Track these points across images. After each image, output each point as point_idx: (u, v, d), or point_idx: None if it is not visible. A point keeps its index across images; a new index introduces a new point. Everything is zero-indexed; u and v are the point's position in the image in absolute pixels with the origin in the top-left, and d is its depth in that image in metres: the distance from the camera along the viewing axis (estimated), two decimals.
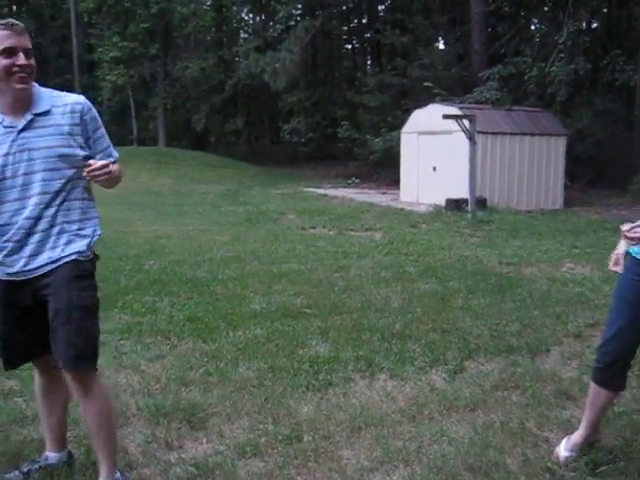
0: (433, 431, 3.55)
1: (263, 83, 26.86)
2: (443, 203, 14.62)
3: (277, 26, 32.85)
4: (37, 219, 2.75)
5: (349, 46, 38.10)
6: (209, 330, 5.36)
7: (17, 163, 2.74)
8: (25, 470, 3.07)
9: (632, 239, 2.87)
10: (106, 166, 2.66)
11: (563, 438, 3.34)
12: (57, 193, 2.77)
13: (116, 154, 2.96)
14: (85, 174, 2.67)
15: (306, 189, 20.07)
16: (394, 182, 19.07)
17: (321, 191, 19.51)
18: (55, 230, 2.78)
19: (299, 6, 32.57)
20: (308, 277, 7.53)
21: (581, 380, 4.27)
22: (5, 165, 2.74)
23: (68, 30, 36.34)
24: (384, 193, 19.15)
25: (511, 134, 15.73)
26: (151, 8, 30.71)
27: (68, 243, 2.80)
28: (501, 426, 3.60)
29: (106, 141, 2.93)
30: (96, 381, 2.86)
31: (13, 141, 2.73)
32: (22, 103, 2.75)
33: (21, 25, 2.71)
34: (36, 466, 3.09)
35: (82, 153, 2.80)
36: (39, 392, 3.12)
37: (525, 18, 25.70)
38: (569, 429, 3.51)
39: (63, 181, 2.77)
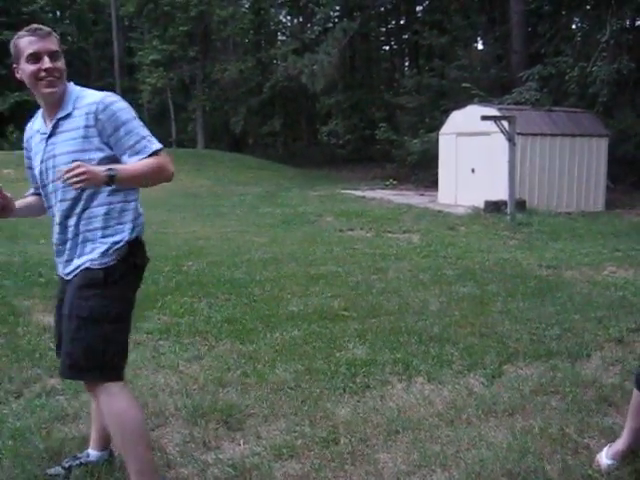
0: (471, 435, 3.52)
1: (301, 85, 26.94)
2: (482, 205, 14.49)
3: (315, 28, 32.95)
4: (64, 227, 2.78)
5: (387, 47, 37.97)
6: (246, 331, 5.39)
7: (48, 170, 2.78)
8: (66, 465, 3.12)
9: None
10: (75, 168, 2.44)
11: (605, 446, 3.28)
12: (75, 200, 2.73)
13: (153, 147, 2.72)
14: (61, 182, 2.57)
15: (344, 191, 20.06)
16: (432, 184, 18.94)
17: (359, 193, 19.48)
18: (80, 239, 2.76)
19: (337, 8, 32.60)
20: (345, 279, 7.53)
21: (623, 386, 4.19)
22: (41, 172, 2.82)
23: (109, 34, 36.90)
24: (422, 195, 19.04)
25: (551, 135, 15.52)
26: (190, 11, 31.02)
27: (92, 251, 2.75)
28: (540, 432, 3.55)
29: (134, 137, 2.69)
30: (106, 394, 2.75)
31: (45, 148, 2.78)
32: (53, 107, 2.75)
33: (46, 29, 2.71)
34: (77, 462, 3.14)
35: (100, 155, 2.68)
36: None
37: (566, 17, 25.35)
38: (611, 436, 3.45)
39: (78, 195, 2.72)
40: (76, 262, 2.78)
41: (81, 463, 3.14)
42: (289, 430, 3.59)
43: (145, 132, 2.74)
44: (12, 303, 6.35)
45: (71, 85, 2.79)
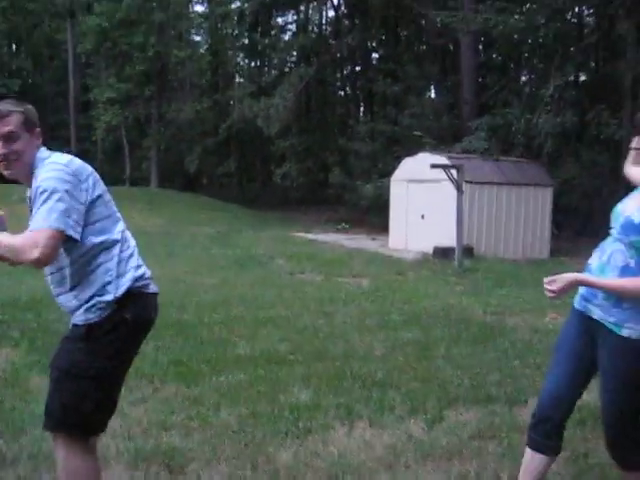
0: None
1: (256, 127, 27.23)
2: (431, 251, 14.78)
3: (272, 72, 33.40)
4: (57, 294, 2.84)
5: (342, 93, 38.71)
6: (192, 374, 5.42)
7: None
8: None
9: (551, 292, 2.83)
10: None
11: None
12: (57, 271, 2.77)
13: (34, 225, 2.57)
14: None
15: (296, 233, 20.22)
16: (384, 228, 19.25)
17: (311, 236, 19.66)
18: (65, 297, 2.81)
19: (294, 53, 33.19)
20: (294, 323, 7.60)
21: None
22: None
23: (65, 70, 36.82)
24: (374, 239, 19.32)
25: (499, 184, 16.01)
26: (148, 51, 31.21)
27: (77, 309, 2.76)
28: (476, 476, 3.66)
29: (38, 213, 2.58)
30: (66, 449, 2.75)
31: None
32: (26, 180, 2.76)
33: (3, 110, 2.70)
34: None
35: None
36: None
37: (514, 70, 26.31)
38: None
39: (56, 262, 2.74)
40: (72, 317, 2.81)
41: None
42: (230, 474, 3.63)
43: (48, 210, 2.56)
44: None
45: (40, 153, 2.77)
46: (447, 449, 4.04)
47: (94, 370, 2.71)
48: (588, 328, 2.99)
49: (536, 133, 17.78)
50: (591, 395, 5.09)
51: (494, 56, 27.37)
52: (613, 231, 2.91)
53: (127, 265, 2.80)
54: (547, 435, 3.08)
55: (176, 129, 35.39)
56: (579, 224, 19.00)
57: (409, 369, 5.77)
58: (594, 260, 2.96)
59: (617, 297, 2.82)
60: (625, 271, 2.80)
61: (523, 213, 16.30)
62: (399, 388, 5.22)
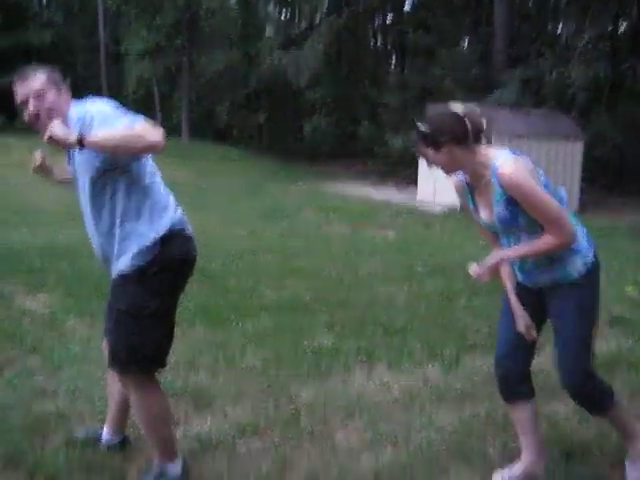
0: (422, 419, 3.80)
1: (286, 79, 27.09)
2: (458, 204, 14.80)
3: (302, 23, 33.06)
4: (98, 237, 2.95)
5: (373, 44, 38.20)
6: (219, 320, 5.65)
7: (79, 190, 2.99)
8: (82, 435, 3.40)
9: (480, 278, 2.95)
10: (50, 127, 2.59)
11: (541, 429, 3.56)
12: (95, 211, 2.89)
13: (132, 124, 2.67)
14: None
15: (325, 186, 20.31)
16: (413, 181, 19.24)
17: (339, 188, 19.74)
18: (110, 244, 2.92)
19: (324, 3, 32.76)
20: (319, 273, 7.79)
21: None
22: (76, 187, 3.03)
23: (96, 22, 36.81)
24: (402, 192, 19.34)
25: (528, 136, 15.86)
26: (178, 1, 31.04)
27: (125, 253, 2.87)
28: (486, 417, 3.84)
29: (118, 124, 2.67)
30: (138, 388, 2.94)
31: (73, 167, 2.99)
32: None
33: (29, 71, 2.85)
34: (88, 433, 3.40)
35: (101, 164, 2.78)
36: (108, 370, 3.33)
37: (550, 20, 25.76)
38: (551, 421, 3.75)
39: (95, 199, 2.88)
40: (113, 266, 2.94)
41: (87, 436, 3.38)
42: (254, 411, 3.86)
43: (128, 118, 2.72)
44: None
45: (70, 108, 2.87)
46: (461, 392, 4.23)
47: (151, 309, 2.86)
48: (532, 291, 3.11)
49: (568, 85, 17.50)
50: (605, 343, 5.25)
51: (529, 5, 26.80)
52: None
53: (167, 205, 2.96)
54: (516, 383, 3.21)
55: (206, 81, 35.34)
56: (610, 179, 18.84)
57: (430, 318, 5.94)
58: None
59: (544, 257, 2.92)
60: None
61: (552, 167, 16.14)
62: (419, 335, 5.40)
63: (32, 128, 2.90)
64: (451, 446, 3.47)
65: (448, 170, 2.94)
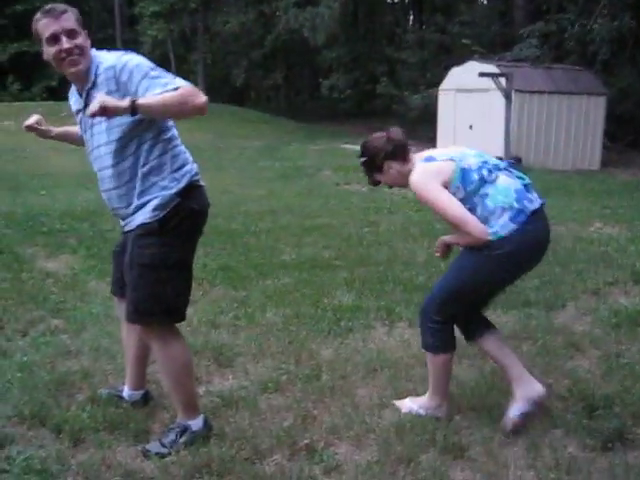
0: None
1: (303, 38, 26.80)
2: None
3: None
4: (115, 189, 2.94)
5: (390, 1, 37.57)
6: (240, 278, 5.67)
7: (89, 139, 2.97)
8: (106, 392, 3.45)
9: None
10: (98, 101, 2.56)
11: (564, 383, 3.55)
12: (117, 163, 2.87)
13: (175, 84, 2.73)
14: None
15: (343, 145, 20.17)
16: (432, 139, 19.05)
17: (358, 147, 19.56)
18: (127, 197, 2.93)
19: None
20: (339, 231, 7.78)
21: (592, 333, 4.47)
22: (87, 141, 3.01)
23: None
24: (421, 150, 19.15)
25: (549, 92, 15.59)
26: None
27: (144, 207, 2.90)
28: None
29: (159, 84, 2.72)
30: (162, 340, 2.98)
31: (82, 120, 2.98)
32: (81, 81, 2.87)
33: (59, 8, 2.78)
34: (115, 393, 3.43)
35: (129, 117, 2.71)
36: (121, 327, 3.40)
37: None
38: (572, 376, 3.73)
39: (120, 151, 2.86)
40: (131, 218, 2.94)
41: (110, 393, 3.43)
42: (275, 367, 3.87)
43: (166, 78, 2.76)
44: (15, 251, 6.60)
45: (93, 53, 2.87)
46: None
47: (172, 259, 2.91)
48: None
49: (591, 39, 17.11)
50: (629, 299, 5.21)
51: None
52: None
53: (186, 158, 3.01)
54: (468, 324, 3.40)
55: (222, 42, 35.05)
56: (633, 135, 18.50)
57: None
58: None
59: None
60: None
61: (574, 123, 15.92)
62: None
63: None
64: (472, 400, 3.47)
65: (400, 184, 3.34)
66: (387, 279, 5.72)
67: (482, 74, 13.56)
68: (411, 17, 35.98)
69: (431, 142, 18.47)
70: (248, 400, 3.45)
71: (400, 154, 3.25)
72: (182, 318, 3.05)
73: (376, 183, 3.43)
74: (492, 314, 4.85)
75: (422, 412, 3.32)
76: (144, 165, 2.88)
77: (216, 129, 24.76)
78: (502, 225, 3.07)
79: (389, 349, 4.20)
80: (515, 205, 3.09)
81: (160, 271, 2.89)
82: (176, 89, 2.69)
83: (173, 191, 2.89)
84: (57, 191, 10.45)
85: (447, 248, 3.37)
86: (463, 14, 23.27)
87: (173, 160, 2.93)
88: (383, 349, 4.19)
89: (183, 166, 2.96)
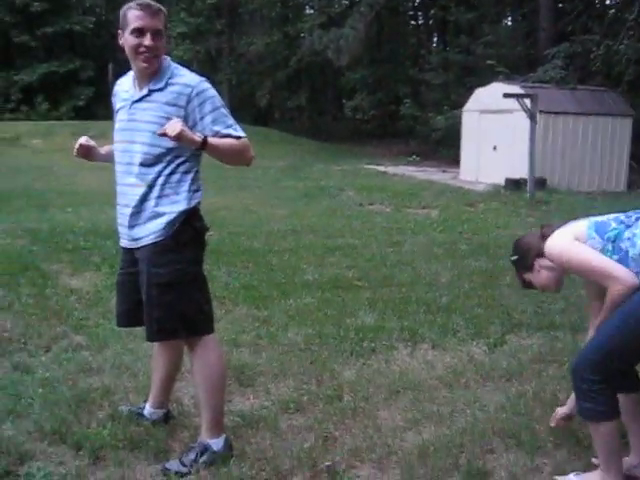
0: (467, 398, 3.74)
1: (327, 59, 26.91)
2: (502, 182, 14.58)
3: (342, 2, 32.75)
4: (128, 193, 2.97)
5: (414, 23, 37.71)
6: (262, 298, 5.65)
7: (127, 130, 2.99)
8: (126, 409, 3.43)
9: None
10: (175, 124, 2.71)
11: None
12: (146, 173, 2.91)
13: (238, 133, 2.94)
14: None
15: (367, 166, 20.19)
16: (455, 160, 19.01)
17: (381, 168, 19.60)
18: (144, 205, 2.94)
19: None
20: (361, 251, 7.74)
21: None
22: (121, 130, 3.03)
23: None
24: (444, 171, 19.12)
25: (574, 114, 15.52)
26: None
27: (158, 218, 2.92)
28: (533, 396, 3.75)
29: (221, 124, 2.89)
30: (202, 347, 3.01)
31: (128, 110, 2.99)
32: (145, 78, 2.94)
33: (156, 6, 2.86)
34: (131, 409, 3.42)
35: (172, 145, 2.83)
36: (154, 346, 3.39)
37: None
38: None
39: (156, 157, 2.90)
40: (141, 228, 2.95)
41: (131, 411, 3.41)
42: (296, 387, 3.84)
43: (231, 121, 2.94)
44: (41, 267, 6.65)
45: (167, 60, 2.96)
46: (507, 371, 4.14)
47: (190, 275, 2.97)
48: None
49: (617, 60, 17.00)
50: None
51: None
52: None
53: (200, 185, 3.06)
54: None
55: (247, 63, 35.34)
56: None
57: (474, 296, 5.86)
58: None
59: None
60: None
61: (600, 144, 15.79)
62: (463, 313, 5.32)
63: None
64: (497, 425, 3.40)
65: (551, 288, 3.16)
66: (410, 300, 5.67)
67: (506, 95, 13.51)
68: (435, 38, 36.04)
69: (456, 163, 18.47)
70: (269, 420, 3.41)
71: None
72: (208, 331, 3.06)
73: (526, 285, 3.16)
74: (517, 337, 4.82)
75: None
76: (171, 174, 2.93)
77: None
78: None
79: (412, 370, 4.14)
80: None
81: (181, 287, 2.92)
82: (238, 138, 2.92)
83: (183, 209, 2.94)
84: (82, 209, 10.54)
85: (569, 419, 3.16)
86: (487, 35, 23.19)
87: (192, 182, 2.99)
88: (406, 370, 4.14)
89: (197, 190, 3.02)
